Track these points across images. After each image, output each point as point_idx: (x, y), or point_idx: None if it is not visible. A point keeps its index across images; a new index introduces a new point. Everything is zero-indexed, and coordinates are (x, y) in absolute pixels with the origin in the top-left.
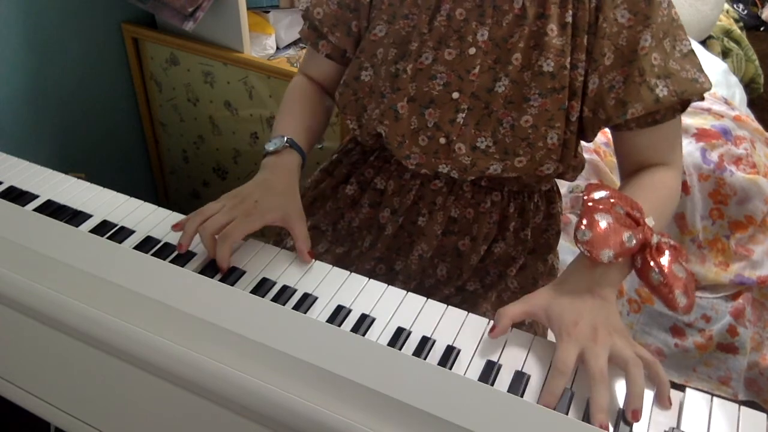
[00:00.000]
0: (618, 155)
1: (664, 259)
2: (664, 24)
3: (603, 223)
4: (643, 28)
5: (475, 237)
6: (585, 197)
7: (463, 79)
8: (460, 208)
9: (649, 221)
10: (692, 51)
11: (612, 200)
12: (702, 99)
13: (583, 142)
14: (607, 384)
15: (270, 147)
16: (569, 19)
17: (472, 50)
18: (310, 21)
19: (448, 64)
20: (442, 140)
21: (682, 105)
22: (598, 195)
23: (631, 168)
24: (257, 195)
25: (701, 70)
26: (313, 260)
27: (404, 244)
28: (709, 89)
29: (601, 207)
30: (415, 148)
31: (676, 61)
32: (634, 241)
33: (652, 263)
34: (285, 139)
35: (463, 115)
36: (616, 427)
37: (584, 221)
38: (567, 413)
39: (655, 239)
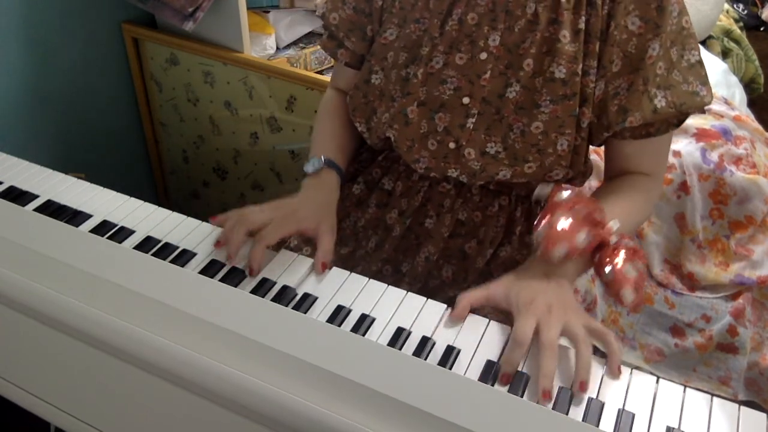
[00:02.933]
0: (605, 158)
1: (618, 259)
2: (673, 33)
3: (560, 222)
4: (652, 36)
5: (482, 240)
6: (550, 197)
7: (473, 83)
8: (468, 211)
9: (613, 224)
10: (700, 62)
11: (575, 201)
12: (702, 112)
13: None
14: (556, 354)
15: (309, 169)
16: (582, 26)
17: (484, 55)
18: (328, 28)
19: (459, 68)
20: (452, 145)
21: (679, 119)
22: (563, 196)
23: (614, 172)
24: (296, 204)
25: (705, 83)
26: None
27: (411, 245)
28: (710, 103)
29: (563, 206)
30: (424, 152)
31: (681, 71)
32: (588, 241)
33: (606, 261)
34: (323, 159)
35: (473, 120)
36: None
37: (544, 219)
38: (567, 413)
39: (613, 240)
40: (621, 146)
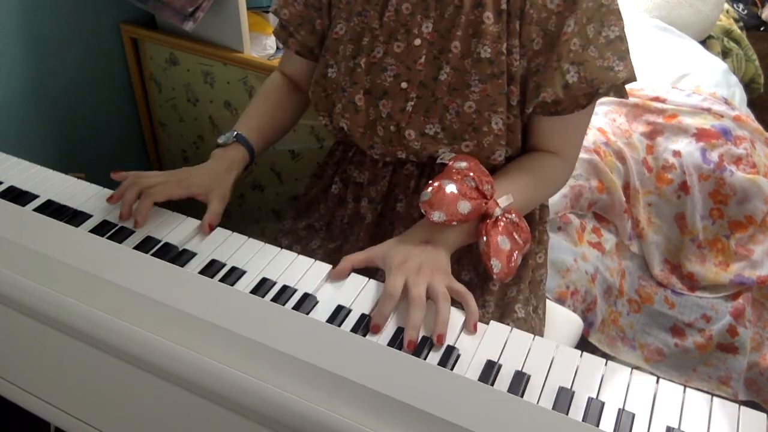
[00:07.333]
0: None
1: (495, 232)
2: (590, 9)
3: (446, 188)
4: (569, 13)
5: None
6: (449, 163)
7: (410, 69)
8: None
9: (504, 199)
10: (620, 37)
11: (468, 171)
12: (621, 95)
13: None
14: (423, 308)
15: (221, 140)
16: (504, 6)
17: (418, 41)
18: (279, 20)
19: (397, 56)
20: (393, 128)
21: (588, 99)
22: (458, 165)
23: (526, 148)
24: (192, 171)
25: (623, 58)
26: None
27: (386, 231)
28: (626, 78)
29: (454, 173)
30: (375, 138)
31: (598, 47)
32: (469, 211)
33: (483, 232)
34: (234, 134)
35: (412, 103)
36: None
37: (432, 184)
38: (567, 413)
39: (497, 213)
40: (533, 122)
